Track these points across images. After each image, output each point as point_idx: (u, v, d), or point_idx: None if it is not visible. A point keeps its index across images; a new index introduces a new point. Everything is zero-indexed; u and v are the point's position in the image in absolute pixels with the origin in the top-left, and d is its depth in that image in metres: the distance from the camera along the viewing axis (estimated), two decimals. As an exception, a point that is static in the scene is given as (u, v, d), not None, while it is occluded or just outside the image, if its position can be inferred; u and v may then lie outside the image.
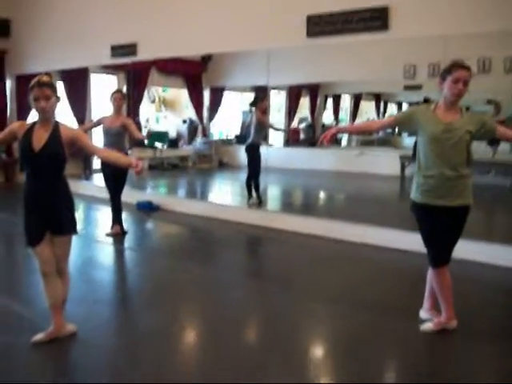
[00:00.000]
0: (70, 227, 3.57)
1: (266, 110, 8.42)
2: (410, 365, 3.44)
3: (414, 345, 3.71)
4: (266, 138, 12.47)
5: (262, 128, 8.47)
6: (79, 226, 7.12)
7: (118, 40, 8.09)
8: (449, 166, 3.44)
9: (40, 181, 3.41)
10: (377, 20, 5.67)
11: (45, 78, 3.36)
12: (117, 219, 6.60)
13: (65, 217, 3.53)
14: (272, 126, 12.66)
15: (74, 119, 11.59)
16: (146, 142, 12.78)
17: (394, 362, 3.54)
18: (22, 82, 10.59)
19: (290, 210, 8.61)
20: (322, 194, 10.96)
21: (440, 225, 3.54)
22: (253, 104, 8.37)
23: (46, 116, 3.36)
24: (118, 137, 6.31)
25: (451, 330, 3.73)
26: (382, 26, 5.69)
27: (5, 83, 10.50)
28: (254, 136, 8.30)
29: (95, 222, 8.02)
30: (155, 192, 10.35)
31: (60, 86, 11.46)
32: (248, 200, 8.45)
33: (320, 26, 6.07)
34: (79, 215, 8.69)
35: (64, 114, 11.72)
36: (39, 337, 3.50)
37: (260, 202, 8.46)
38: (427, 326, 3.76)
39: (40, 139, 3.35)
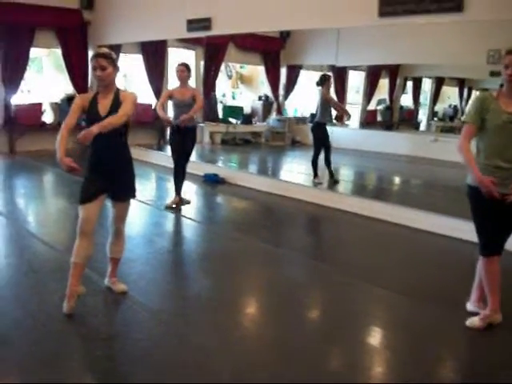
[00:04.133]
0: (130, 193, 3.77)
1: (329, 88, 8.37)
2: (450, 359, 3.42)
3: (457, 337, 3.65)
4: (336, 118, 12.38)
5: (328, 108, 8.45)
6: (149, 195, 7.55)
7: (193, 14, 8.23)
8: (506, 156, 3.33)
9: (105, 146, 3.56)
10: (450, 1, 5.48)
11: (102, 50, 3.56)
12: (178, 189, 6.75)
13: (127, 183, 3.73)
14: (340, 107, 12.52)
15: (151, 91, 11.95)
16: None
17: (433, 355, 3.44)
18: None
19: (357, 192, 8.52)
20: (391, 179, 10.75)
21: (494, 211, 3.42)
22: (319, 83, 8.34)
23: (104, 84, 3.53)
24: (190, 107, 6.42)
25: (496, 324, 3.61)
26: (456, 7, 5.47)
27: (87, 53, 10.94)
28: (320, 115, 8.31)
29: (164, 192, 8.27)
30: (222, 166, 10.51)
31: (139, 59, 11.85)
32: (314, 178, 8.48)
33: (392, 5, 5.93)
34: (150, 184, 9.04)
35: (142, 85, 12.13)
36: (65, 307, 3.51)
37: (335, 181, 8.59)
38: (473, 321, 3.63)
39: (105, 106, 3.53)
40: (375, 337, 3.62)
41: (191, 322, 3.62)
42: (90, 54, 10.98)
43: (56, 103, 11.11)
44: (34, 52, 10.81)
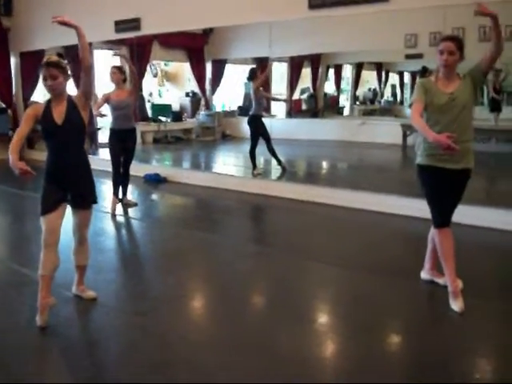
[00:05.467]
0: (92, 199, 3.76)
1: (262, 82, 8.58)
2: (411, 322, 3.65)
3: (416, 304, 3.91)
4: (268, 110, 12.63)
5: (261, 100, 8.63)
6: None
7: (121, 15, 8.16)
8: (454, 133, 3.53)
9: (64, 153, 3.54)
10: (377, -9, 5.75)
11: (52, 58, 3.48)
12: (116, 192, 6.74)
13: (87, 189, 3.73)
14: (273, 98, 12.80)
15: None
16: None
17: (395, 321, 3.70)
18: (26, 58, 10.75)
19: (292, 178, 8.80)
20: (324, 164, 11.09)
21: (443, 186, 3.71)
22: (249, 78, 8.54)
23: (56, 93, 3.50)
24: (128, 109, 6.48)
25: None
26: (382, -2, 5.77)
27: (9, 60, 10.59)
28: (254, 108, 8.50)
29: (104, 195, 8.18)
30: (161, 164, 10.50)
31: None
32: (253, 170, 8.64)
33: (321, -3, 6.16)
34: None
35: (70, 90, 11.84)
36: (39, 320, 3.49)
37: (283, 168, 8.84)
38: (456, 306, 3.71)
39: (60, 113, 3.50)
40: (325, 313, 3.89)
41: (165, 320, 3.69)
42: (12, 60, 10.64)
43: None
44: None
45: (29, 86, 11.13)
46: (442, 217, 3.78)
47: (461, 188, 3.79)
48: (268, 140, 8.59)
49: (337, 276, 4.51)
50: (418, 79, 3.99)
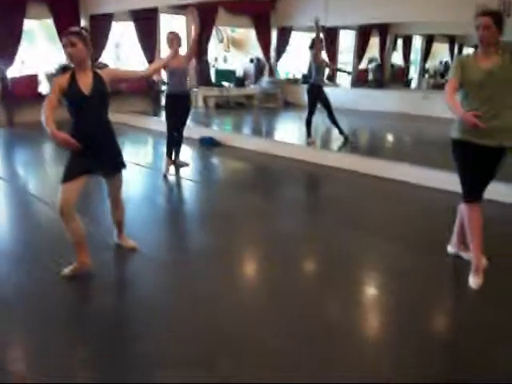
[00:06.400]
0: (120, 165, 3.94)
1: (320, 51, 8.52)
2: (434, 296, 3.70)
3: (440, 278, 3.95)
4: (332, 79, 12.57)
5: (322, 69, 8.63)
6: (148, 159, 7.83)
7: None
8: (488, 109, 3.52)
9: (91, 123, 3.68)
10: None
11: (72, 28, 3.65)
12: (170, 153, 6.91)
13: (115, 156, 3.89)
14: (336, 68, 12.75)
15: (145, 59, 12.10)
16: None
17: (420, 295, 3.70)
18: (95, 21, 11.18)
19: (350, 150, 8.72)
20: (384, 136, 10.96)
21: (476, 161, 3.67)
22: (310, 47, 8.56)
23: (77, 61, 3.60)
24: (184, 74, 6.66)
25: (482, 269, 3.80)
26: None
27: (80, 23, 11.05)
28: (314, 77, 8.52)
29: (162, 156, 8.52)
30: (217, 129, 10.73)
31: (132, 27, 11.96)
32: (307, 138, 8.73)
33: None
34: (148, 149, 9.32)
35: (134, 53, 12.27)
36: (66, 271, 3.74)
37: (346, 137, 8.84)
38: (474, 282, 3.73)
39: (86, 83, 3.62)
40: (370, 283, 3.90)
41: (196, 271, 3.93)
42: (83, 23, 11.10)
43: (51, 74, 11.25)
44: (26, 23, 10.91)
45: (97, 49, 11.58)
46: (472, 192, 3.76)
47: (495, 165, 3.72)
48: (329, 109, 8.64)
49: (381, 247, 4.50)
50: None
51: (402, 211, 5.57)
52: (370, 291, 3.76)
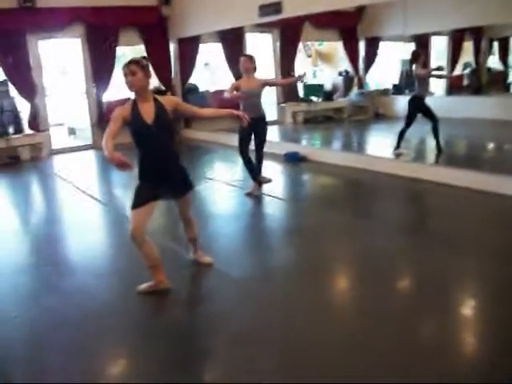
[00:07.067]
0: (188, 187, 4.00)
1: (425, 63, 8.29)
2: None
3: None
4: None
5: (425, 82, 8.39)
6: (234, 177, 7.92)
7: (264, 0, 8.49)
8: None
9: (157, 150, 3.76)
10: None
11: (132, 58, 3.76)
12: (253, 176, 6.82)
13: (182, 179, 3.95)
14: (435, 75, 12.29)
15: (233, 78, 12.32)
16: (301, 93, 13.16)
17: None
18: (183, 44, 11.64)
19: (448, 162, 8.12)
20: (486, 145, 10.17)
21: None
22: (412, 61, 8.37)
23: (136, 90, 3.68)
24: (256, 98, 6.53)
25: None
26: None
27: (169, 47, 11.54)
28: (416, 90, 8.29)
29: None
30: (303, 143, 10.66)
31: (219, 48, 12.26)
32: (395, 149, 8.49)
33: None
34: (235, 167, 9.44)
35: (224, 73, 12.54)
36: (143, 287, 3.88)
37: (440, 150, 8.41)
38: None
39: (149, 113, 3.69)
40: (467, 311, 3.61)
41: (270, 288, 3.91)
42: (171, 46, 11.55)
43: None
44: (120, 50, 11.50)
45: (186, 70, 12.00)
46: None
47: None
48: (435, 121, 8.25)
49: (483, 272, 4.08)
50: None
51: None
52: (468, 320, 3.48)
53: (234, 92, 6.40)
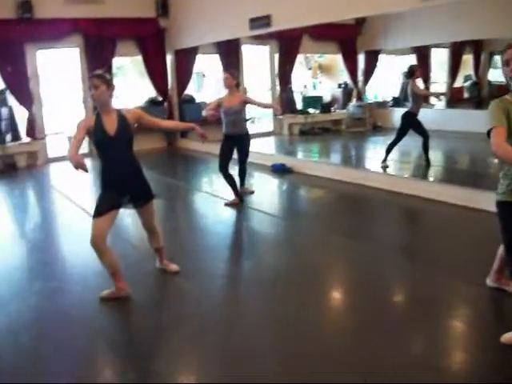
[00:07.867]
0: (149, 195, 4.10)
1: (425, 77, 8.35)
2: None
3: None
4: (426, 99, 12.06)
5: (419, 98, 8.40)
6: (215, 187, 7.98)
7: (254, 13, 8.62)
8: None
9: (118, 161, 3.88)
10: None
11: (96, 72, 3.89)
12: (241, 182, 6.95)
13: (143, 188, 4.06)
14: (431, 94, 12.32)
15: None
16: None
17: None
18: (180, 55, 11.83)
19: (448, 179, 7.79)
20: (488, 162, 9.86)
21: None
22: (407, 76, 8.42)
23: (99, 102, 3.81)
24: (238, 115, 6.63)
25: None
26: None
27: (165, 57, 11.75)
28: (411, 106, 8.31)
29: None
30: (289, 155, 10.60)
31: (216, 59, 12.40)
32: (382, 161, 8.54)
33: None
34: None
35: (217, 83, 12.66)
36: (104, 294, 3.98)
37: (428, 162, 8.42)
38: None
39: (111, 125, 3.82)
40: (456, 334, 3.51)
41: (230, 295, 4.03)
42: (168, 58, 11.74)
43: (141, 106, 11.91)
44: (119, 60, 11.70)
45: (183, 81, 12.17)
46: None
47: None
48: (426, 137, 8.27)
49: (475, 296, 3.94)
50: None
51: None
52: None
53: (209, 112, 6.55)
